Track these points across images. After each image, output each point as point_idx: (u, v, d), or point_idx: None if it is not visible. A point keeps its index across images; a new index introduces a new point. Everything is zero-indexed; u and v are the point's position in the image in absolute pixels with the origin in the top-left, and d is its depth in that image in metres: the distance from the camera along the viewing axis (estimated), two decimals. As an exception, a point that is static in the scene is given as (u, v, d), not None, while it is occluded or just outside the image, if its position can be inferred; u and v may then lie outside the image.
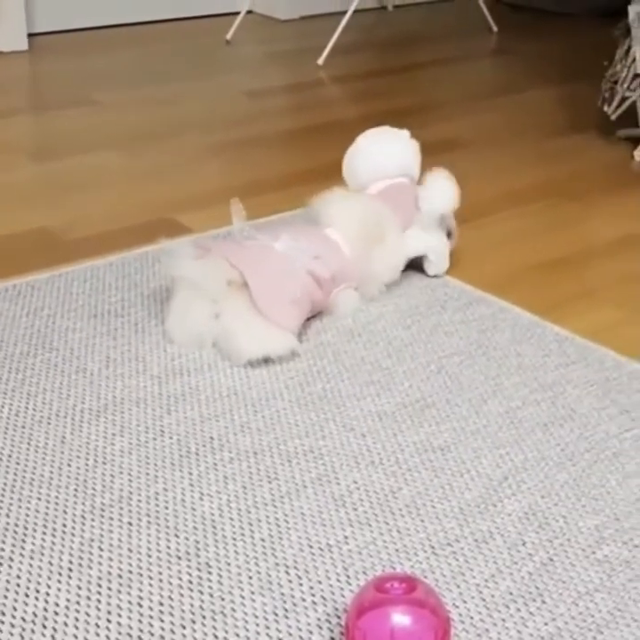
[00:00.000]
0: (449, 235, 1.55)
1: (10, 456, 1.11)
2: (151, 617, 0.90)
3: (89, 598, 0.92)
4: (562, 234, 1.74)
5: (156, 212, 1.78)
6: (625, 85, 2.10)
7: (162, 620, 0.90)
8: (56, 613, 0.90)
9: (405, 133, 1.61)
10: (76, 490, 1.06)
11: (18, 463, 1.10)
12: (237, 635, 0.88)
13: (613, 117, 2.15)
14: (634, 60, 2.06)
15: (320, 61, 2.74)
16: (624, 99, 2.12)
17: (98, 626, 0.89)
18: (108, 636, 0.88)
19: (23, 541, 0.98)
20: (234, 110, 2.34)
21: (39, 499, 1.04)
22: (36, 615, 0.90)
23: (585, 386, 1.28)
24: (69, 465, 1.10)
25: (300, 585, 0.94)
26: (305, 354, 1.33)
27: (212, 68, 2.69)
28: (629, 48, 2.08)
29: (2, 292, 1.46)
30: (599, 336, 1.40)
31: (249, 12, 3.19)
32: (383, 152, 1.58)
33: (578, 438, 1.17)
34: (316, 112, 2.35)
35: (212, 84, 2.54)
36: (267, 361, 1.30)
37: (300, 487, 1.07)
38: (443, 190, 1.50)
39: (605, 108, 2.16)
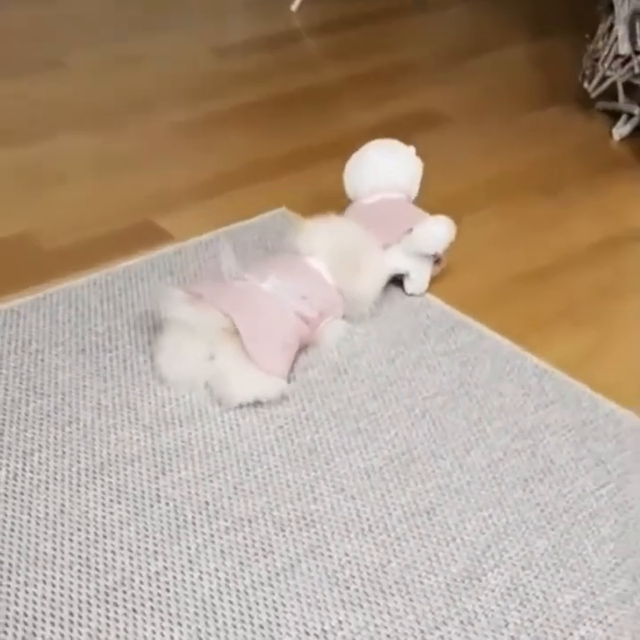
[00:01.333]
0: (437, 260, 1.57)
1: (12, 530, 1.15)
2: None
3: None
4: (540, 238, 1.76)
5: (133, 212, 1.77)
6: (606, 65, 2.09)
7: None
8: None
9: (411, 151, 1.64)
10: (79, 570, 1.10)
11: (20, 539, 1.14)
12: None
13: (593, 95, 2.14)
14: (616, 38, 2.04)
15: (293, 8, 2.68)
16: (605, 77, 2.11)
17: None
18: None
19: (34, 634, 1.03)
20: (203, 75, 2.29)
21: (44, 582, 1.09)
22: None
23: (563, 432, 1.32)
24: (71, 539, 1.14)
25: (299, 677, 1.00)
26: (293, 395, 1.36)
27: (178, 16, 2.60)
28: (612, 26, 2.06)
29: (-12, 321, 1.47)
30: (577, 365, 1.44)
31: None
32: (389, 168, 1.61)
33: (556, 496, 1.23)
34: (293, 75, 2.31)
35: (179, 38, 2.47)
36: (257, 404, 1.33)
37: (295, 561, 1.12)
38: (438, 236, 1.52)
39: (586, 85, 2.15)
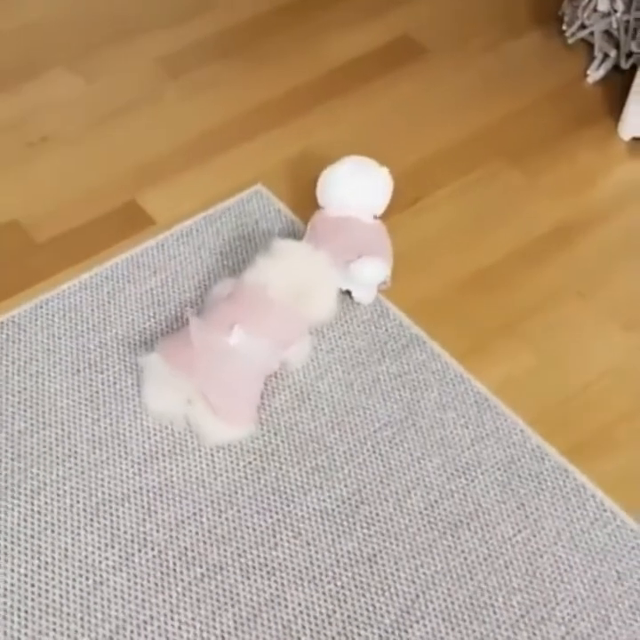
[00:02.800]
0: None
1: (25, 575, 1.39)
2: None
3: None
4: (496, 224, 1.87)
5: (116, 192, 1.88)
6: (585, 14, 2.11)
7: None
8: None
9: (385, 171, 1.75)
10: (82, 619, 1.36)
11: (33, 585, 1.38)
12: None
13: (571, 41, 2.16)
14: (597, -7, 2.05)
15: None
16: (583, 26, 2.13)
17: None
18: None
19: (47, 683, 1.30)
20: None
21: (54, 630, 1.35)
22: None
23: (493, 470, 1.54)
24: (74, 586, 1.39)
25: None
26: (262, 426, 1.56)
27: None
28: (594, -22, 2.06)
29: (-9, 334, 1.65)
30: (514, 390, 1.63)
31: None
32: (360, 187, 1.72)
33: (479, 543, 1.46)
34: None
35: None
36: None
37: (257, 611, 1.38)
38: (369, 277, 1.67)
39: (564, 28, 2.17)
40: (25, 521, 1.45)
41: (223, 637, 1.36)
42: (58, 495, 1.47)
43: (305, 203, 1.84)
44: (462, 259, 1.81)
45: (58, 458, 1.51)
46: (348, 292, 1.71)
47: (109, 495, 1.48)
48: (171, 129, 2.00)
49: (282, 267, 1.59)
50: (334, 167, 1.74)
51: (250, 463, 1.53)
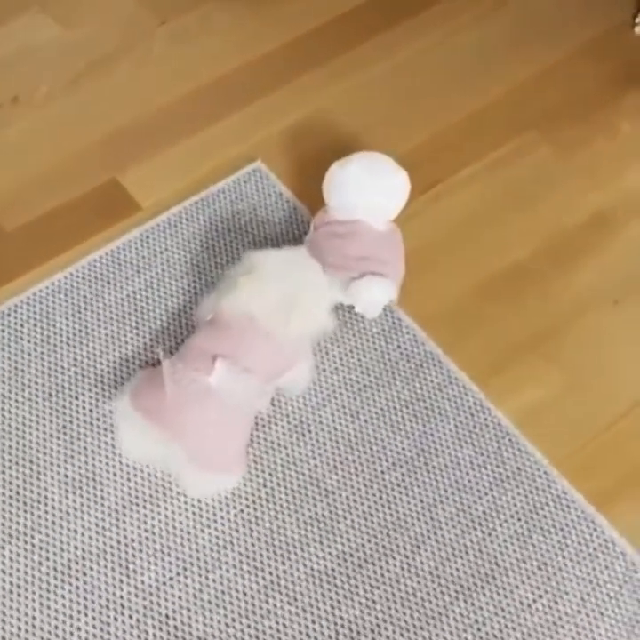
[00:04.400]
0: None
1: (-12, 648, 1.25)
2: None
3: None
4: (522, 215, 1.64)
5: (95, 167, 1.66)
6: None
7: None
8: None
9: (403, 175, 1.52)
10: (51, 702, 1.22)
11: (-4, 661, 1.24)
12: None
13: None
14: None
15: None
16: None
17: None
18: None
19: None
20: None
21: None
22: None
23: (513, 521, 1.38)
24: (42, 661, 1.25)
25: None
26: (255, 465, 1.39)
27: None
28: None
29: (-48, 348, 1.46)
30: (538, 421, 1.45)
31: None
32: (373, 189, 1.50)
33: (495, 609, 1.31)
34: None
35: None
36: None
37: (246, 694, 1.24)
38: (371, 301, 1.47)
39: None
40: (-12, 581, 1.30)
41: None
42: (25, 550, 1.32)
43: (309, 184, 1.62)
44: (484, 257, 1.60)
45: (25, 504, 1.35)
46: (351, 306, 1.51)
47: (83, 550, 1.32)
48: (157, 87, 1.76)
49: (264, 286, 1.37)
50: (344, 165, 1.50)
51: (241, 511, 1.36)
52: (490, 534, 1.37)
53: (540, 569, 1.35)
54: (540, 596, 1.33)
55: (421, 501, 1.39)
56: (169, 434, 1.29)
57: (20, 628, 1.26)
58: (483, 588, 1.33)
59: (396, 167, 1.51)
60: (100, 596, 1.29)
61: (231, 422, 1.33)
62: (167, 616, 1.29)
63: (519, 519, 1.38)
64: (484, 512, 1.38)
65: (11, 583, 1.29)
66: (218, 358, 1.32)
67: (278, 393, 1.44)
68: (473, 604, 1.32)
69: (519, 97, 1.79)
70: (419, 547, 1.35)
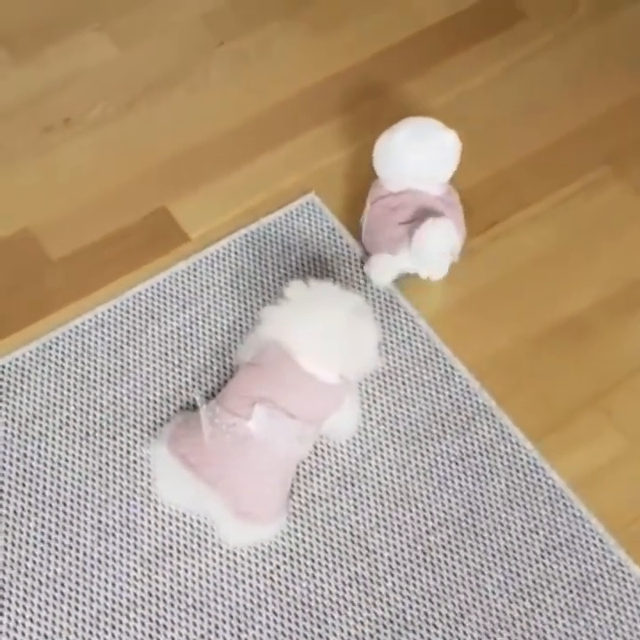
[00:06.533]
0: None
1: (11, 702, 1.21)
2: None
3: None
4: (588, 259, 1.56)
5: (145, 194, 1.60)
6: None
7: None
8: None
9: (452, 135, 1.48)
10: None
11: None
12: None
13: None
14: None
15: None
16: None
17: None
18: None
19: None
20: None
21: None
22: None
23: (564, 592, 1.30)
24: None
25: None
26: (294, 519, 1.33)
27: None
28: None
29: (-9, 381, 1.43)
30: (596, 483, 1.38)
31: None
32: (422, 156, 1.47)
33: (541, 689, 1.24)
34: None
35: None
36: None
37: None
38: (433, 246, 1.42)
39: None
40: (15, 631, 1.26)
41: None
42: (54, 598, 1.28)
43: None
44: (541, 304, 1.52)
45: (57, 549, 1.31)
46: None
47: (113, 601, 1.28)
48: (211, 113, 1.70)
49: (309, 323, 1.30)
50: (391, 134, 1.47)
51: (277, 568, 1.31)
52: (539, 606, 1.29)
53: (590, 646, 1.27)
54: (590, 677, 1.26)
55: (467, 566, 1.32)
56: (206, 481, 1.24)
57: (45, 682, 1.23)
58: (529, 663, 1.26)
59: (443, 127, 1.47)
60: (128, 653, 1.25)
61: (271, 470, 1.28)
62: (196, 677, 1.24)
63: (571, 591, 1.31)
64: (534, 581, 1.31)
65: (38, 633, 1.25)
66: (257, 402, 1.27)
67: (322, 441, 1.38)
68: (518, 681, 1.25)
69: (593, 129, 1.69)
70: (463, 616, 1.28)
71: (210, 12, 1.82)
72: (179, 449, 1.26)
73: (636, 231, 1.59)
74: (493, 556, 1.33)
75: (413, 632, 1.27)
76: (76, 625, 1.26)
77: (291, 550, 1.32)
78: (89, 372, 1.44)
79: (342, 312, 1.31)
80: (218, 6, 1.82)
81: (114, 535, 1.32)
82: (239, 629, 1.27)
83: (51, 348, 1.46)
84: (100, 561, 1.30)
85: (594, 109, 1.71)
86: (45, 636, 1.25)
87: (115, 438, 1.39)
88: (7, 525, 1.32)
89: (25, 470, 1.36)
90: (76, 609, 1.27)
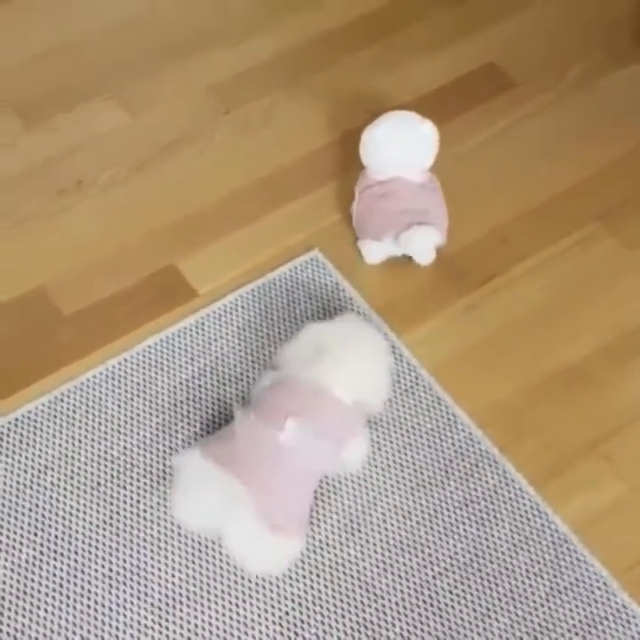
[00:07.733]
0: None
1: None
2: None
3: None
4: (585, 310, 1.60)
5: (155, 253, 1.65)
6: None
7: None
8: None
9: (428, 124, 1.61)
10: None
11: None
12: None
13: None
14: None
15: None
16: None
17: None
18: None
19: None
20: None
21: None
22: None
23: (569, 635, 1.31)
24: None
25: None
26: (303, 565, 1.35)
27: None
28: None
29: (3, 433, 1.46)
30: (598, 526, 1.40)
31: None
32: (402, 146, 1.60)
33: None
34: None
35: None
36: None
37: None
38: (420, 248, 1.58)
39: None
40: (27, 678, 1.27)
41: None
42: (66, 647, 1.29)
43: (367, 274, 1.62)
44: (543, 352, 1.56)
45: (68, 597, 1.33)
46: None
47: (123, 650, 1.29)
48: (218, 176, 1.76)
49: (332, 358, 1.36)
50: (375, 127, 1.60)
51: (286, 614, 1.33)
52: (545, 649, 1.31)
53: (597, 689, 1.28)
54: None
55: (474, 610, 1.33)
56: (241, 480, 1.25)
57: None
58: None
59: (421, 118, 1.60)
60: (138, 699, 1.26)
61: (299, 482, 1.31)
62: None
63: (576, 633, 1.32)
64: (540, 624, 1.33)
65: (49, 681, 1.27)
66: (290, 416, 1.31)
67: (329, 488, 1.41)
68: None
69: (585, 188, 1.75)
70: (470, 659, 1.30)
71: (216, 83, 1.89)
72: (212, 451, 1.29)
73: (628, 282, 1.63)
74: (499, 600, 1.34)
75: (421, 676, 1.29)
76: (87, 672, 1.28)
77: (299, 596, 1.34)
78: (100, 423, 1.47)
79: (363, 347, 1.39)
80: (223, 78, 1.90)
81: (125, 583, 1.34)
82: (248, 675, 1.28)
83: (62, 400, 1.49)
84: (111, 609, 1.32)
85: (584, 170, 1.77)
86: (57, 684, 1.27)
87: (125, 488, 1.42)
88: (19, 574, 1.34)
89: (37, 520, 1.38)
90: (87, 656, 1.29)
